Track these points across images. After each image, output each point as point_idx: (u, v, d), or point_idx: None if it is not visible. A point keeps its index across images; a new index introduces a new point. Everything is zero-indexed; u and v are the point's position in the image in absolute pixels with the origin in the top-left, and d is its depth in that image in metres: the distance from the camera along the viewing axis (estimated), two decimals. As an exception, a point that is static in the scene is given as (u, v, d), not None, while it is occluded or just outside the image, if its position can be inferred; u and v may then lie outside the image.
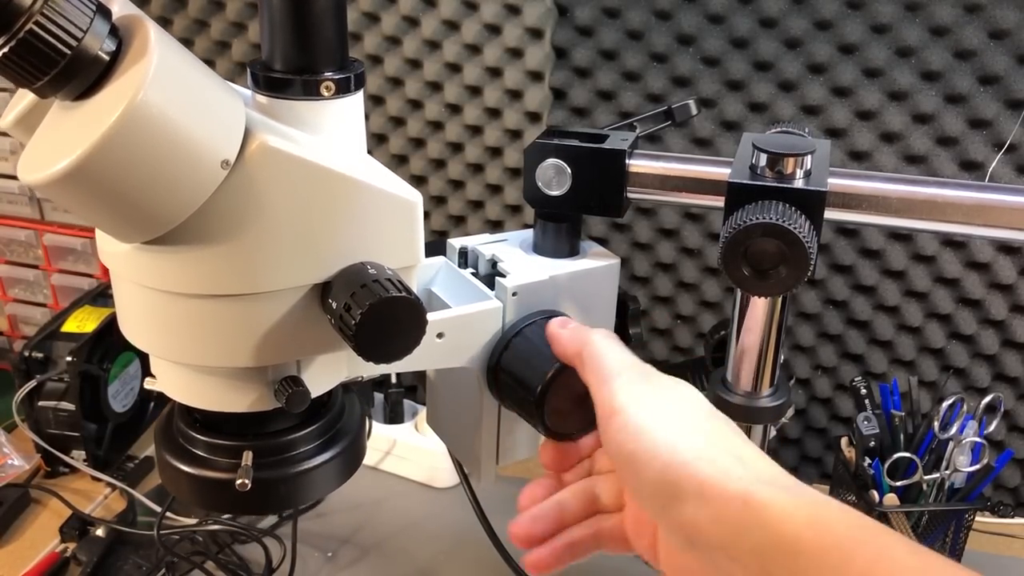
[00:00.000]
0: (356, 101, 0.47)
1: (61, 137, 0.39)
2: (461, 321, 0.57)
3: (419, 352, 0.47)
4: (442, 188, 1.01)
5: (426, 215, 1.01)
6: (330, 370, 0.52)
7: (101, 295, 1.03)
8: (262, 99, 0.45)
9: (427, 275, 0.64)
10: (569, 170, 0.63)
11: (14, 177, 1.08)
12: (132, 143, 0.38)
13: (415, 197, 0.48)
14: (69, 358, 0.91)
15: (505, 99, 0.94)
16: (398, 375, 1.06)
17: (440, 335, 0.56)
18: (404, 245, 0.49)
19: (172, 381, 0.50)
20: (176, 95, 0.39)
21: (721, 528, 0.40)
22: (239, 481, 0.49)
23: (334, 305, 0.45)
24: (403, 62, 0.95)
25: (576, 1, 0.89)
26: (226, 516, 0.91)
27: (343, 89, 0.45)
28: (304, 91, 0.44)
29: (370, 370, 0.53)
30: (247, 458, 0.50)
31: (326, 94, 0.45)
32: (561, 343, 0.54)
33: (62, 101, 0.40)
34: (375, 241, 0.47)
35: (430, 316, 0.47)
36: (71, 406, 0.93)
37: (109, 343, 0.98)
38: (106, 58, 0.38)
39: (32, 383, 0.92)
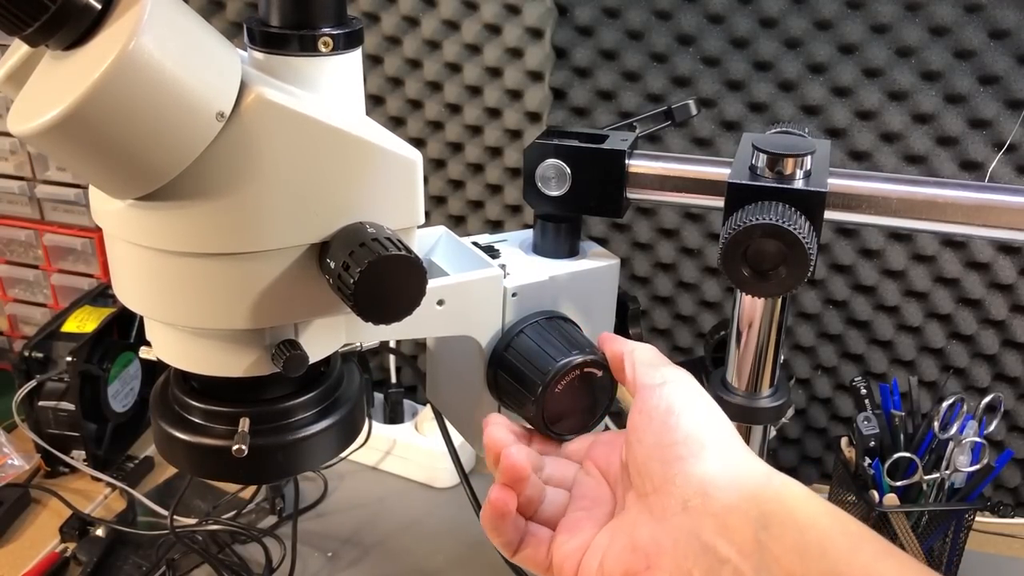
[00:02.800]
0: (354, 58, 0.46)
1: (52, 87, 0.38)
2: (461, 288, 0.56)
3: (419, 319, 0.46)
4: (442, 188, 1.01)
5: (426, 215, 1.01)
6: (328, 335, 0.51)
7: (101, 295, 1.03)
8: (259, 55, 0.44)
9: (427, 244, 0.64)
10: (569, 170, 0.63)
11: (14, 177, 1.08)
12: (124, 92, 0.37)
13: (415, 156, 0.47)
14: (69, 358, 0.91)
15: (505, 99, 0.94)
16: (398, 375, 1.06)
17: (440, 302, 0.55)
18: (404, 205, 0.48)
19: (168, 345, 0.49)
20: (170, 44, 0.38)
21: (733, 492, 0.42)
22: (235, 447, 0.48)
23: (332, 264, 0.44)
24: (403, 62, 0.95)
25: (576, 1, 0.89)
26: (227, 515, 0.92)
27: (341, 45, 0.44)
28: (301, 47, 0.44)
29: (369, 335, 0.53)
30: (244, 424, 0.49)
31: (324, 50, 0.44)
32: (611, 344, 0.56)
33: (53, 51, 0.39)
34: (374, 200, 0.46)
35: (430, 283, 0.46)
36: (71, 406, 0.93)
37: (109, 343, 0.98)
38: (98, 6, 0.38)
39: (32, 383, 0.92)
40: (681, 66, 0.89)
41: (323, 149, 0.44)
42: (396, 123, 0.99)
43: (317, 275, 0.46)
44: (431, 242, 0.64)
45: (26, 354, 0.93)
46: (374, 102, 0.98)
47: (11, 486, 0.94)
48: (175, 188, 0.42)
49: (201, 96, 0.39)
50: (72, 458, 0.95)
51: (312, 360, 0.49)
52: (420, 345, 1.07)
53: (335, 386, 0.54)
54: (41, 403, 0.94)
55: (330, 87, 0.45)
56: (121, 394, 1.00)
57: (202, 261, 0.44)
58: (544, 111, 0.93)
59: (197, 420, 0.51)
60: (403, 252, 0.43)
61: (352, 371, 0.56)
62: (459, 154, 0.98)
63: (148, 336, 0.50)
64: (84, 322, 0.97)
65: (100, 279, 1.09)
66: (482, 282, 0.57)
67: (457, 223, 1.02)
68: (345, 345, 0.53)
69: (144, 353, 0.51)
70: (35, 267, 1.12)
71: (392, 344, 0.82)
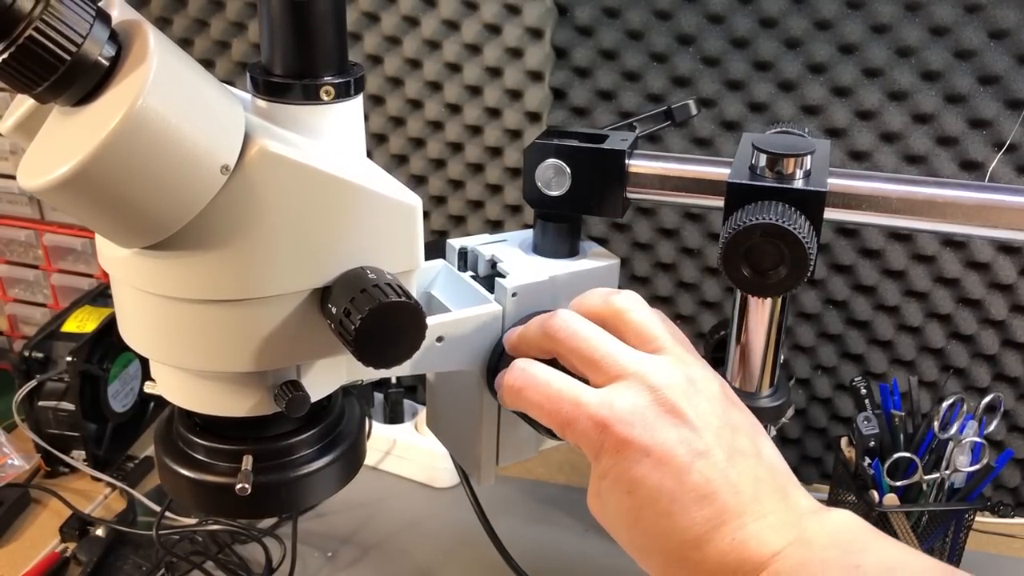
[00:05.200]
0: (356, 105, 0.47)
1: (61, 143, 0.39)
2: (461, 324, 0.57)
3: (419, 356, 0.47)
4: (442, 188, 1.01)
5: (426, 215, 1.01)
6: (330, 374, 0.52)
7: (101, 295, 1.03)
8: (261, 103, 0.45)
9: (426, 278, 0.64)
10: (569, 170, 0.63)
11: (14, 177, 1.08)
12: (132, 149, 0.38)
13: (415, 201, 0.48)
14: (69, 358, 0.91)
15: (505, 99, 0.94)
16: (398, 376, 1.06)
17: (440, 339, 0.56)
18: (404, 249, 0.49)
19: (172, 385, 0.50)
20: (176, 101, 0.39)
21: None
22: (239, 486, 0.49)
23: (334, 310, 0.45)
24: (403, 62, 0.95)
25: (576, 1, 0.89)
26: (226, 516, 0.92)
27: (343, 93, 0.45)
28: (304, 95, 0.45)
29: (370, 374, 0.53)
30: (247, 462, 0.50)
31: (326, 99, 0.45)
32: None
33: (62, 107, 0.40)
34: (375, 245, 0.47)
35: (430, 320, 0.47)
36: (71, 406, 0.93)
37: (109, 343, 0.98)
38: (106, 63, 0.38)
39: (32, 383, 0.92)
40: (681, 66, 0.89)
41: (325, 197, 0.44)
42: (396, 123, 0.99)
43: (319, 318, 0.47)
44: (431, 276, 0.64)
45: (26, 354, 0.93)
46: (374, 102, 0.98)
47: (11, 486, 0.94)
48: (180, 238, 0.42)
49: (206, 150, 0.40)
50: (72, 458, 0.95)
51: (314, 399, 0.50)
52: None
53: (336, 422, 0.55)
54: (41, 403, 0.93)
55: (331, 134, 0.46)
56: (121, 394, 1.00)
57: (206, 307, 0.45)
58: (544, 111, 0.93)
59: (200, 457, 0.51)
60: (403, 299, 0.44)
61: (352, 405, 0.57)
62: (459, 154, 0.98)
63: (153, 374, 0.52)
64: (84, 322, 0.97)
65: (100, 279, 1.09)
66: (481, 318, 0.58)
67: (457, 223, 1.02)
68: (346, 381, 0.54)
69: (149, 388, 0.52)
70: (35, 267, 1.12)
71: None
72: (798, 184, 0.58)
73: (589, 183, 0.63)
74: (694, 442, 0.45)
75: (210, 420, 0.51)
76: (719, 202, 0.60)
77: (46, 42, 0.36)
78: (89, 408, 0.95)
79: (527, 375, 0.50)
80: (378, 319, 0.43)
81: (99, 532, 0.88)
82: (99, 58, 0.38)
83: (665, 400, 0.46)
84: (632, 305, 0.51)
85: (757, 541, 0.42)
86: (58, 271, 1.11)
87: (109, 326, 0.98)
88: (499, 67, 0.92)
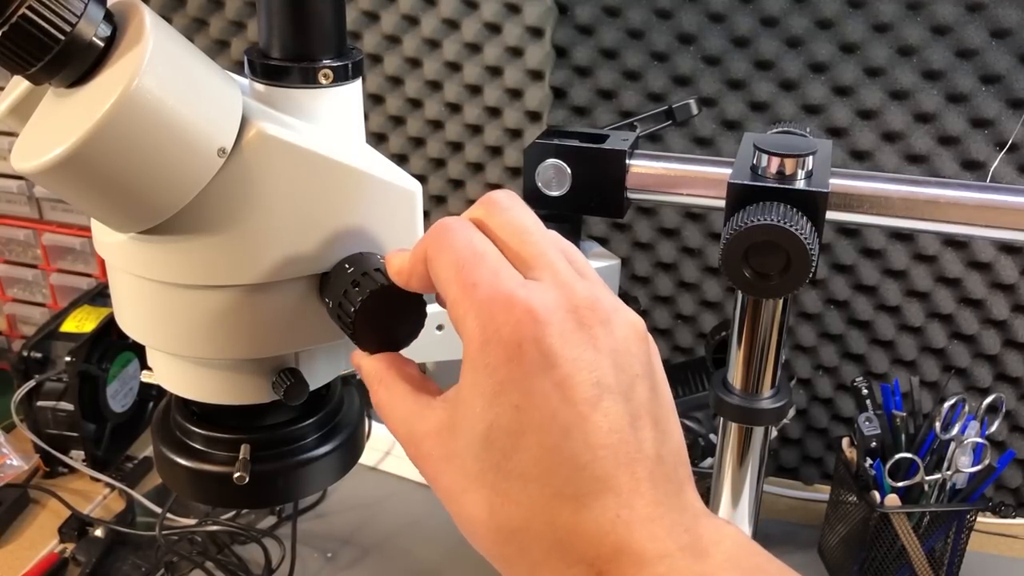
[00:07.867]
0: (354, 89, 0.46)
1: (56, 125, 0.39)
2: None
3: (419, 344, 0.46)
4: (442, 188, 1.01)
5: (426, 215, 1.01)
6: (329, 362, 0.51)
7: (100, 295, 1.03)
8: (259, 87, 0.45)
9: None
10: (569, 170, 0.63)
11: (13, 177, 1.08)
12: (127, 131, 0.37)
13: (414, 186, 0.48)
14: (68, 358, 0.91)
15: (505, 98, 0.93)
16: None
17: (440, 327, 0.55)
18: (403, 235, 0.48)
19: (169, 373, 0.50)
20: (172, 82, 0.38)
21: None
22: (236, 475, 0.48)
23: (332, 295, 0.44)
24: (403, 61, 0.95)
25: (576, 0, 0.89)
26: (226, 516, 0.91)
27: (341, 77, 0.45)
28: (302, 79, 0.44)
29: None
30: (244, 451, 0.49)
31: (324, 82, 0.44)
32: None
33: (56, 88, 0.40)
34: (374, 231, 0.47)
35: (430, 308, 0.47)
36: (70, 406, 0.93)
37: (108, 343, 0.98)
38: (100, 44, 0.38)
39: (31, 383, 0.92)
40: (682, 65, 0.89)
41: (323, 182, 0.44)
42: (396, 123, 0.99)
43: (318, 305, 0.46)
44: None
45: (25, 354, 0.93)
46: (374, 101, 0.98)
47: (10, 486, 0.94)
48: (177, 222, 0.42)
49: (203, 133, 0.40)
50: (71, 458, 0.95)
51: (313, 387, 0.49)
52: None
53: (336, 410, 0.54)
54: (40, 403, 0.93)
55: (330, 118, 0.45)
56: (120, 394, 1.00)
57: (203, 293, 0.44)
58: (544, 110, 0.93)
59: (198, 446, 0.51)
60: None
61: (352, 394, 0.56)
62: (459, 154, 0.98)
63: (150, 362, 0.51)
64: (83, 322, 0.97)
65: (99, 279, 1.08)
66: None
67: (457, 223, 1.02)
68: (345, 370, 0.53)
69: (145, 377, 0.52)
70: (34, 267, 1.12)
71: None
72: (800, 185, 0.57)
73: (589, 183, 0.63)
74: (605, 377, 0.35)
75: (208, 409, 0.51)
76: (720, 202, 0.59)
77: (40, 21, 0.35)
78: (88, 408, 0.95)
79: (459, 222, 0.39)
80: (377, 304, 0.43)
81: (98, 532, 0.88)
82: (94, 39, 0.37)
83: (584, 320, 0.36)
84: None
85: (646, 533, 0.33)
86: (57, 271, 1.11)
87: (108, 326, 0.97)
88: (499, 66, 0.92)
